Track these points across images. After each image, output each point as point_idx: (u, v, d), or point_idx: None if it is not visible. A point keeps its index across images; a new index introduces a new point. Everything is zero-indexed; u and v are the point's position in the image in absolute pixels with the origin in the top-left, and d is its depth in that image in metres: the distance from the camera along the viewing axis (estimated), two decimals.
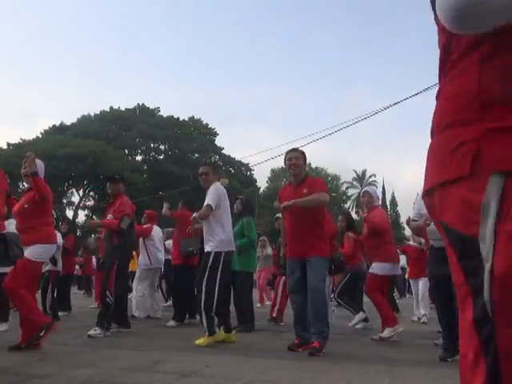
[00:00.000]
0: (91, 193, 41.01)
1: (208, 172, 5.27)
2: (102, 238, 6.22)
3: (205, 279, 4.85)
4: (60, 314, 8.01)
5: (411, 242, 7.84)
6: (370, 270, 5.71)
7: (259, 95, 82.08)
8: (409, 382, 3.51)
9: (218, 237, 5.00)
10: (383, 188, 55.64)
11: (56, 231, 6.52)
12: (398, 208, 55.47)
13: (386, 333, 5.40)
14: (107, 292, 5.61)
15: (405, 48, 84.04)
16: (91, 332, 5.42)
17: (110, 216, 5.83)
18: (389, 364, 4.11)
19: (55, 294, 7.86)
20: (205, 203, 5.00)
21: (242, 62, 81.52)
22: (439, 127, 1.10)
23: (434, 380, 3.56)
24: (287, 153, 4.89)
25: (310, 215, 4.62)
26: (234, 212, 6.63)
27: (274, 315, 7.25)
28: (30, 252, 4.44)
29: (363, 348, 5.07)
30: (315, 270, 4.55)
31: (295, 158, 4.77)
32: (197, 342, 4.79)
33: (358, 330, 6.84)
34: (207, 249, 5.03)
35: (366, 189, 6.00)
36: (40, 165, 4.62)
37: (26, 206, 4.50)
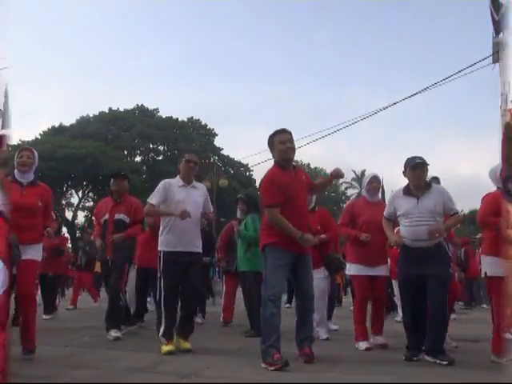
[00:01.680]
0: (90, 194, 40.96)
1: (198, 163, 4.93)
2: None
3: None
4: (47, 317, 7.90)
5: None
6: (384, 273, 5.11)
7: (258, 96, 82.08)
8: (409, 380, 3.52)
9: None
10: (382, 188, 55.61)
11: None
12: None
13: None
14: (120, 294, 5.54)
15: (404, 47, 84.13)
16: (113, 334, 5.30)
17: (123, 216, 5.58)
18: (389, 363, 4.11)
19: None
20: (212, 209, 4.91)
21: (240, 63, 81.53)
22: None
23: (435, 378, 3.56)
24: (276, 134, 4.18)
25: (306, 205, 4.38)
26: (241, 213, 6.50)
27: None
28: (37, 252, 4.27)
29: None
30: (311, 269, 4.24)
31: (290, 140, 4.18)
32: (187, 346, 4.65)
33: None
34: (199, 250, 4.78)
35: (374, 174, 5.31)
36: (36, 156, 4.43)
37: (40, 204, 4.29)
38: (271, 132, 4.25)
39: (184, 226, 4.61)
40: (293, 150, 4.18)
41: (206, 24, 78.28)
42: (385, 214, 4.50)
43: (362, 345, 4.81)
